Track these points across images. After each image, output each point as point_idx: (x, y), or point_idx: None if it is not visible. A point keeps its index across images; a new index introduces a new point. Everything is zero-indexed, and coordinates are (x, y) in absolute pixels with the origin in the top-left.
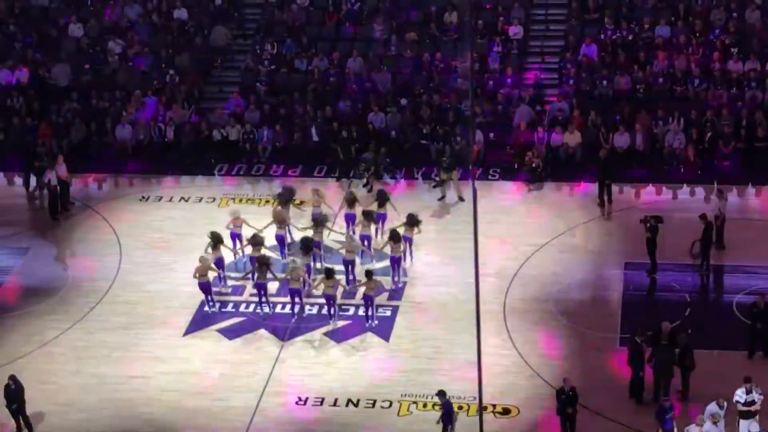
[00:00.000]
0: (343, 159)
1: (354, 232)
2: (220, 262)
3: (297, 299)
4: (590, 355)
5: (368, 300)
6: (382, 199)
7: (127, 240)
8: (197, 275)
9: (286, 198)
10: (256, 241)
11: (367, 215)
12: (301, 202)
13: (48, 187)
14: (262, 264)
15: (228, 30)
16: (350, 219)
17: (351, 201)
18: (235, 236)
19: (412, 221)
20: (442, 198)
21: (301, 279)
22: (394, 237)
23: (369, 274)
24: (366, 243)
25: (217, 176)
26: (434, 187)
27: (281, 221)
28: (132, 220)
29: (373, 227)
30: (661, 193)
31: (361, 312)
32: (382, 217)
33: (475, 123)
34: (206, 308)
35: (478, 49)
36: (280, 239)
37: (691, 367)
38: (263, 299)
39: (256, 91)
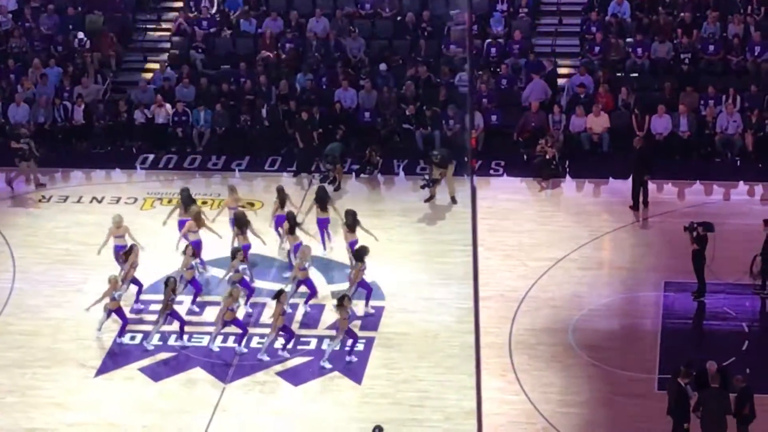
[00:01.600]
0: (303, 148)
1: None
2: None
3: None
4: (620, 401)
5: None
6: (324, 199)
7: (23, 252)
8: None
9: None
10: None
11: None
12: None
13: None
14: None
15: None
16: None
17: (283, 200)
18: (120, 249)
19: (351, 221)
20: (430, 199)
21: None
22: (359, 256)
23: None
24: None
25: (139, 170)
26: (423, 187)
27: (197, 220)
28: (28, 226)
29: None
30: (711, 192)
31: (325, 345)
32: (324, 223)
33: (474, 102)
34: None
35: (478, 7)
36: (197, 245)
37: (750, 418)
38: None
39: (190, 61)
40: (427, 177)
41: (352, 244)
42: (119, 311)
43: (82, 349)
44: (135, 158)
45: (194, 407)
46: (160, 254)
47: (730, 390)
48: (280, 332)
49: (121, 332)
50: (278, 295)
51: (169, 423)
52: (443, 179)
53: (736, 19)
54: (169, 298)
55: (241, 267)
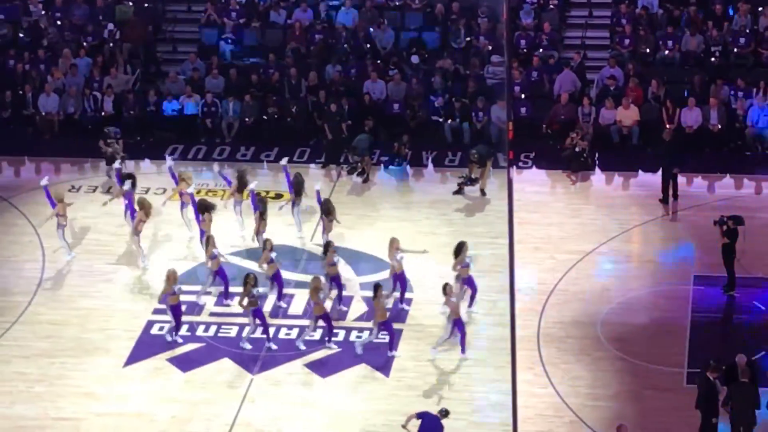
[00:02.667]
0: (332, 140)
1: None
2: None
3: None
4: (648, 395)
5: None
6: (299, 186)
7: (53, 242)
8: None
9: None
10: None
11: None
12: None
13: None
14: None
15: None
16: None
17: (243, 185)
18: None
19: (326, 209)
20: (459, 191)
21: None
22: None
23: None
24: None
25: (168, 160)
26: (460, 185)
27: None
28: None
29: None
30: (742, 186)
31: (353, 337)
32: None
33: (508, 94)
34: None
35: None
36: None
37: None
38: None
39: (219, 52)
40: (464, 175)
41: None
42: (177, 308)
43: (111, 339)
44: (164, 149)
45: (222, 398)
46: (193, 244)
47: (760, 384)
48: (382, 329)
49: (177, 329)
50: (376, 291)
51: (196, 413)
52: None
53: (767, 12)
54: (249, 294)
55: (273, 255)
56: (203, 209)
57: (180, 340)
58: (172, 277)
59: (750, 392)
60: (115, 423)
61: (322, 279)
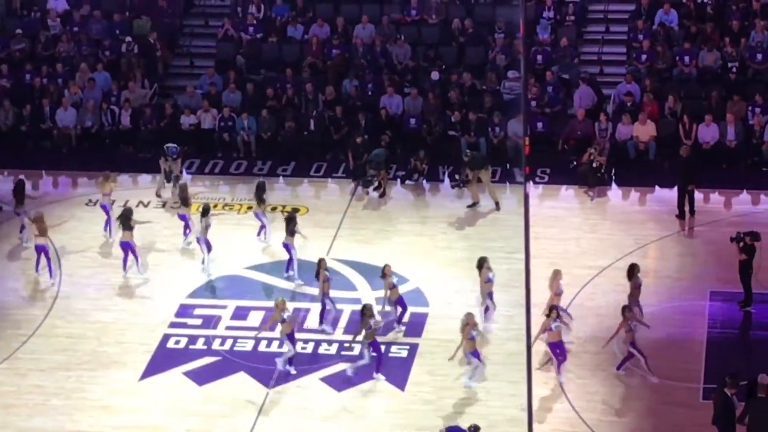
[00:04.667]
0: (354, 167)
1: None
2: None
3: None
4: (664, 410)
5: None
6: (261, 193)
7: (69, 256)
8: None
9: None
10: None
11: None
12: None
13: None
14: None
15: None
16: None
17: (184, 198)
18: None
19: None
20: (474, 205)
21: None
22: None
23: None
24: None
25: (185, 174)
26: (453, 187)
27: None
28: (74, 230)
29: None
30: (759, 202)
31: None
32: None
33: (526, 110)
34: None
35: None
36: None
37: None
38: None
39: (236, 66)
40: (458, 176)
41: (286, 246)
42: (291, 335)
43: (127, 353)
44: (181, 163)
45: (238, 411)
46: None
47: None
48: (371, 349)
49: (291, 359)
50: (363, 311)
51: (212, 427)
52: (479, 183)
53: None
54: (367, 326)
55: (394, 280)
56: (204, 212)
57: (294, 371)
58: (281, 306)
59: None
60: None
61: (475, 315)
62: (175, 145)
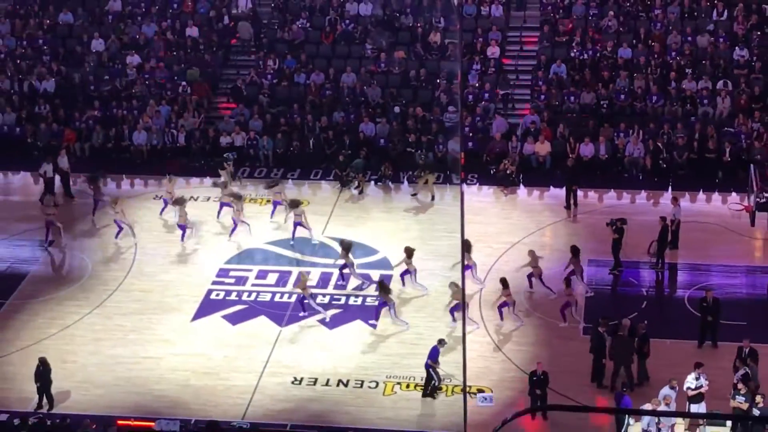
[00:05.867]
0: (339, 178)
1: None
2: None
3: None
4: (556, 342)
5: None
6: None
7: (142, 235)
8: None
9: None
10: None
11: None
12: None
13: (43, 178)
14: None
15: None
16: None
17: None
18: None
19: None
20: (416, 194)
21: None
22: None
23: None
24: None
25: (222, 178)
26: (409, 178)
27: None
28: (145, 216)
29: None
30: (622, 198)
31: (352, 302)
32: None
33: (461, 133)
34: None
35: (460, 67)
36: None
37: (647, 355)
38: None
39: (259, 102)
40: (413, 172)
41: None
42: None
43: (182, 302)
44: (228, 161)
45: (260, 343)
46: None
47: (635, 336)
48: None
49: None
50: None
51: (241, 354)
52: (426, 183)
53: (639, 77)
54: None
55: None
56: (237, 198)
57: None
58: (305, 279)
59: (628, 342)
60: (184, 360)
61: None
62: (233, 153)
